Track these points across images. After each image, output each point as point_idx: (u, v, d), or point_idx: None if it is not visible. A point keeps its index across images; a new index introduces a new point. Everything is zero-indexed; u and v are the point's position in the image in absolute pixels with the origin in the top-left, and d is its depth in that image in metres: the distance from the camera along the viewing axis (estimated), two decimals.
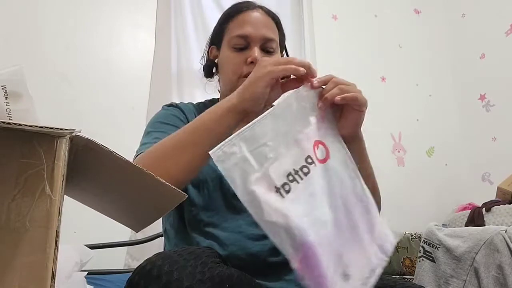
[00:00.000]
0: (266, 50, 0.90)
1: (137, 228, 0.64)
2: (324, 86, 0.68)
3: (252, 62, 0.86)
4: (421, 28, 3.10)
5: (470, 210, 2.23)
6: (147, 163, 0.67)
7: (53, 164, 0.42)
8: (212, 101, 1.02)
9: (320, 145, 0.61)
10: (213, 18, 0.99)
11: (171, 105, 0.96)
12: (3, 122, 0.40)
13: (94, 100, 1.93)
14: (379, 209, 0.84)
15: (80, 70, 1.95)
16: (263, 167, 0.52)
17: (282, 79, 0.72)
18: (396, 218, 2.28)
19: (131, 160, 0.53)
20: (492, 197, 2.31)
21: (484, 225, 1.97)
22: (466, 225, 2.13)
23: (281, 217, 0.50)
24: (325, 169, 0.60)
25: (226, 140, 0.53)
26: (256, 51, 0.87)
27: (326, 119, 0.66)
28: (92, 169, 0.51)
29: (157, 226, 1.31)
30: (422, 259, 1.64)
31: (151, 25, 2.18)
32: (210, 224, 0.81)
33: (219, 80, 1.02)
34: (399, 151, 2.77)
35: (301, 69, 0.67)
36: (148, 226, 0.62)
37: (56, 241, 0.41)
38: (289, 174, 0.54)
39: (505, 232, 1.46)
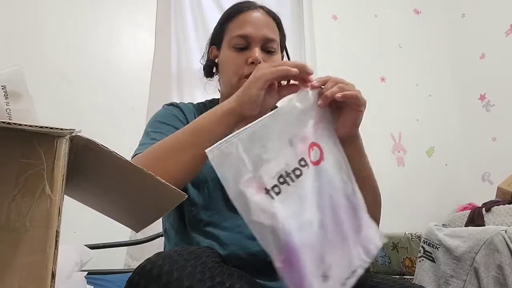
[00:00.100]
0: (267, 50, 0.89)
1: (137, 228, 0.64)
2: (323, 86, 0.68)
3: (253, 63, 0.86)
4: (421, 28, 3.10)
5: (470, 210, 2.23)
6: (145, 163, 0.67)
7: (53, 164, 0.42)
8: (212, 102, 1.02)
9: (315, 147, 0.62)
10: (213, 18, 0.99)
11: (171, 104, 0.96)
12: (3, 122, 0.40)
13: (94, 100, 1.93)
14: (380, 210, 0.84)
15: (80, 70, 1.95)
16: (256, 168, 0.52)
17: (279, 85, 0.72)
18: (396, 218, 2.28)
19: (131, 158, 0.52)
20: (492, 197, 2.31)
21: (484, 225, 1.97)
22: (466, 225, 2.13)
23: (268, 218, 0.50)
24: (317, 171, 0.60)
25: (224, 139, 0.53)
26: (256, 51, 0.87)
27: (324, 119, 0.66)
28: (92, 169, 0.51)
29: (157, 226, 1.31)
30: (422, 259, 1.64)
31: (151, 25, 2.18)
32: (210, 224, 0.81)
33: (219, 80, 1.02)
34: (399, 151, 2.77)
35: (294, 69, 0.67)
36: (148, 226, 0.62)
37: (56, 241, 0.41)
38: (281, 176, 0.55)
39: (505, 232, 1.46)
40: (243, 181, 0.51)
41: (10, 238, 0.41)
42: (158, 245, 1.75)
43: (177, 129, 0.85)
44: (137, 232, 1.70)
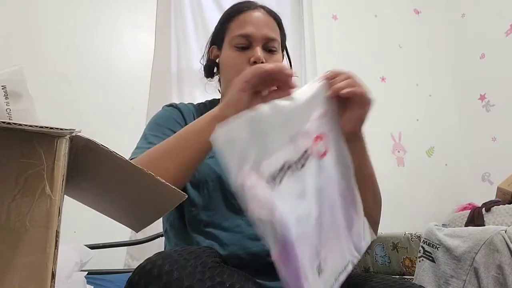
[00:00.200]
0: (268, 50, 0.89)
1: (137, 228, 0.64)
2: (332, 80, 0.68)
3: (255, 62, 0.85)
4: (421, 28, 3.10)
5: (470, 210, 2.24)
6: None
7: (53, 164, 0.42)
8: (213, 102, 1.02)
9: (320, 140, 0.61)
10: (213, 18, 0.99)
11: (170, 105, 0.96)
12: (3, 122, 0.40)
13: (94, 100, 1.93)
14: (380, 210, 0.84)
15: (80, 70, 1.95)
16: (259, 157, 0.52)
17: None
18: (396, 218, 2.28)
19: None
20: (492, 197, 2.31)
21: (484, 225, 1.97)
22: (466, 225, 2.13)
23: (267, 213, 0.50)
24: (320, 165, 0.60)
25: (228, 124, 0.52)
26: (258, 51, 0.86)
27: (330, 113, 0.66)
28: (92, 169, 0.51)
29: (157, 226, 1.31)
30: (422, 259, 1.64)
31: (151, 25, 2.18)
32: (210, 224, 0.81)
33: (219, 80, 1.02)
34: (399, 151, 2.77)
35: (269, 65, 0.66)
36: (148, 226, 0.62)
37: (56, 241, 0.41)
38: (282, 167, 0.54)
39: (505, 232, 1.46)
40: (245, 169, 0.50)
41: (10, 238, 0.41)
42: (158, 245, 1.75)
43: (174, 131, 0.85)
44: (137, 232, 1.70)
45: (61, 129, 0.42)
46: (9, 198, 0.42)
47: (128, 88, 2.04)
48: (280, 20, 0.96)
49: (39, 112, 0.50)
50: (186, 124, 0.91)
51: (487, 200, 2.25)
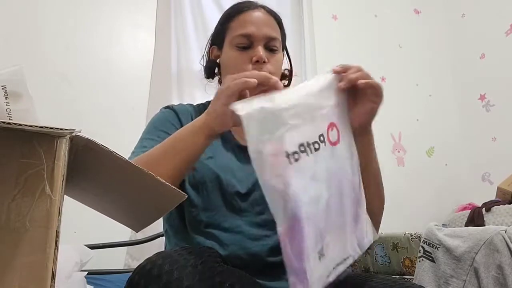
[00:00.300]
0: (269, 49, 0.89)
1: (137, 228, 0.64)
2: (344, 73, 0.68)
3: (258, 61, 0.85)
4: (421, 28, 3.10)
5: (470, 210, 2.23)
6: None
7: (53, 164, 0.42)
8: None
9: (334, 128, 0.62)
10: (213, 18, 0.99)
11: (167, 107, 0.96)
12: (3, 122, 0.40)
13: (94, 100, 1.93)
14: (383, 208, 0.84)
15: (80, 70, 1.95)
16: (280, 130, 0.53)
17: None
18: (396, 218, 2.27)
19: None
20: (492, 197, 2.31)
21: (484, 225, 1.97)
22: (466, 225, 2.13)
23: (281, 183, 0.50)
24: (332, 152, 0.61)
25: (250, 98, 0.53)
26: (260, 50, 0.86)
27: (340, 106, 0.66)
28: (92, 169, 0.51)
29: (157, 226, 1.31)
30: (422, 259, 1.64)
31: (151, 25, 2.18)
32: (210, 225, 0.81)
33: (219, 81, 1.02)
34: (399, 151, 2.77)
35: (252, 80, 0.65)
36: (148, 226, 0.62)
37: (56, 241, 0.41)
38: (302, 144, 0.55)
39: (505, 232, 1.46)
40: (265, 139, 0.51)
41: (10, 238, 0.41)
42: (158, 245, 1.75)
43: (169, 134, 0.85)
44: (137, 232, 1.70)
45: (61, 129, 0.42)
46: (9, 198, 0.42)
47: (128, 88, 2.04)
48: (280, 19, 0.96)
49: (39, 112, 0.50)
50: (181, 125, 0.91)
51: (487, 200, 2.25)
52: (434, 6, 3.20)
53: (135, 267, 0.61)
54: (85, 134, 0.45)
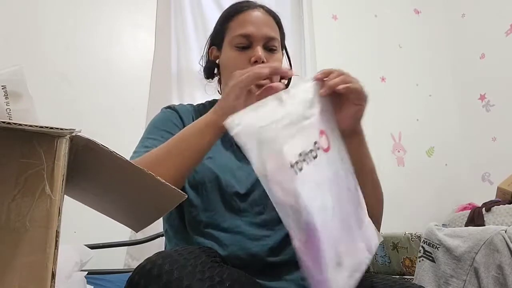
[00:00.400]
0: (268, 49, 0.89)
1: (137, 228, 0.64)
2: (326, 78, 0.68)
3: (256, 61, 0.85)
4: (421, 28, 3.10)
5: (470, 210, 2.23)
6: None
7: (53, 164, 0.42)
8: (212, 103, 1.02)
9: (323, 135, 0.62)
10: (213, 18, 0.99)
11: (168, 107, 0.96)
12: (3, 122, 0.40)
13: (94, 100, 1.93)
14: (382, 207, 0.83)
15: (80, 70, 1.95)
16: (277, 143, 0.52)
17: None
18: (396, 218, 2.27)
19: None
20: (492, 197, 2.31)
21: (484, 225, 1.97)
22: (466, 225, 2.13)
23: (292, 197, 0.50)
24: (327, 158, 0.60)
25: (240, 112, 0.53)
26: (259, 50, 0.86)
27: (325, 111, 0.66)
28: (92, 169, 0.51)
29: (157, 226, 1.31)
30: (422, 259, 1.64)
31: (151, 25, 2.18)
32: (209, 225, 0.81)
33: (219, 81, 1.02)
34: (399, 151, 2.77)
35: (264, 70, 0.67)
36: (148, 226, 0.62)
37: (56, 241, 0.41)
38: (301, 154, 0.55)
39: (505, 232, 1.46)
40: (265, 156, 0.51)
41: (10, 238, 0.41)
42: (158, 245, 1.75)
43: (171, 133, 0.85)
44: (137, 232, 1.70)
45: (61, 129, 0.42)
46: (9, 198, 0.42)
47: (128, 88, 2.04)
48: (279, 19, 0.96)
49: (39, 112, 0.50)
50: (184, 125, 0.91)
51: (487, 200, 2.25)
52: (434, 6, 3.20)
53: (135, 267, 0.61)
54: (85, 134, 0.45)
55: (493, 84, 2.80)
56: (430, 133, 2.89)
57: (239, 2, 0.95)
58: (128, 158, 0.50)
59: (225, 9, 0.97)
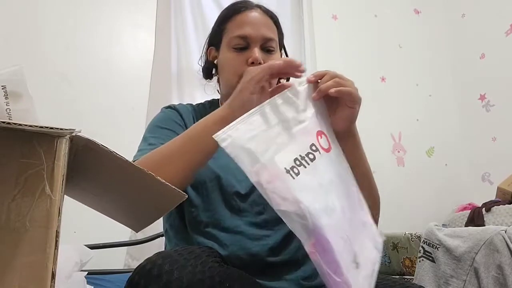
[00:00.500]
0: (266, 50, 0.89)
1: (137, 228, 0.64)
2: (319, 80, 0.68)
3: (253, 63, 0.86)
4: (421, 28, 3.10)
5: (470, 210, 2.24)
6: None
7: (53, 164, 0.42)
8: (212, 102, 1.02)
9: (323, 135, 0.62)
10: (213, 18, 0.99)
11: (169, 107, 0.96)
12: (3, 122, 0.40)
13: (94, 100, 1.93)
14: (379, 209, 0.83)
15: (80, 70, 1.95)
16: (268, 153, 0.52)
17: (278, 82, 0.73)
18: (396, 218, 2.28)
19: (131, 160, 0.53)
20: (492, 197, 2.31)
21: (484, 225, 1.97)
22: (466, 225, 2.13)
23: (291, 204, 0.50)
24: (329, 158, 0.60)
25: (230, 124, 0.53)
26: (256, 52, 0.87)
27: (320, 113, 0.66)
28: (92, 169, 0.51)
29: (157, 226, 1.31)
30: (422, 259, 1.64)
31: (151, 25, 2.18)
32: (210, 225, 0.81)
33: (218, 81, 1.02)
34: (399, 151, 2.77)
35: (278, 62, 0.67)
36: (148, 226, 0.62)
37: (56, 241, 0.41)
38: (296, 159, 0.55)
39: (505, 232, 1.46)
40: (258, 168, 0.50)
41: (10, 238, 0.41)
42: (158, 245, 1.75)
43: (175, 132, 0.86)
44: (137, 232, 1.70)
45: (61, 129, 0.42)
46: (9, 198, 0.42)
47: (128, 88, 2.04)
48: (277, 18, 0.96)
49: (39, 112, 0.50)
50: (185, 124, 0.91)
51: (487, 200, 2.25)
52: (434, 6, 3.20)
53: (135, 267, 0.61)
54: (85, 134, 0.45)
55: (493, 84, 2.80)
56: (430, 133, 2.89)
57: (236, 2, 0.95)
58: (128, 158, 0.50)
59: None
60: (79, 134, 0.44)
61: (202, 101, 1.03)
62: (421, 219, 2.34)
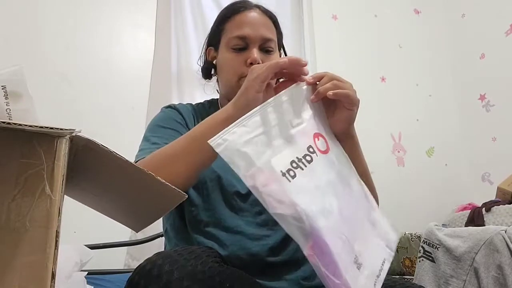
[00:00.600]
0: (265, 50, 0.89)
1: (137, 228, 0.64)
2: (318, 82, 0.68)
3: (252, 63, 0.86)
4: (421, 28, 3.10)
5: (470, 210, 2.23)
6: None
7: (53, 164, 0.42)
8: (212, 102, 1.02)
9: (320, 137, 0.62)
10: (213, 18, 0.99)
11: (169, 106, 0.96)
12: (3, 122, 0.40)
13: (94, 100, 1.93)
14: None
15: (80, 70, 1.95)
16: (264, 157, 0.52)
17: (276, 82, 0.73)
18: (396, 218, 2.27)
19: (131, 160, 0.53)
20: (492, 197, 2.31)
21: (484, 225, 1.97)
22: (466, 225, 2.13)
23: (287, 207, 0.49)
24: (326, 160, 0.60)
25: (226, 128, 0.53)
26: (255, 52, 0.87)
27: (318, 115, 0.66)
28: (92, 169, 0.51)
29: (157, 226, 1.31)
30: (422, 259, 1.64)
31: (151, 25, 2.18)
32: (210, 224, 0.81)
33: (217, 81, 1.02)
34: (399, 151, 2.77)
35: (283, 60, 0.67)
36: (148, 226, 0.62)
37: (56, 241, 0.41)
38: (293, 161, 0.54)
39: (505, 232, 1.46)
40: (252, 170, 0.50)
41: (10, 238, 0.41)
42: (158, 245, 1.75)
43: (177, 131, 0.85)
44: (137, 232, 1.70)
45: (61, 129, 0.42)
46: (9, 198, 0.42)
47: (128, 88, 2.04)
48: (276, 18, 0.96)
49: (39, 112, 0.50)
50: (186, 123, 0.91)
51: (487, 200, 2.25)
52: (434, 6, 3.20)
53: (135, 267, 0.61)
54: (85, 134, 0.45)
55: (493, 84, 2.80)
56: (430, 133, 2.89)
57: (235, 2, 0.94)
58: (128, 158, 0.50)
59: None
60: (79, 134, 0.44)
61: (202, 101, 1.03)
62: (421, 219, 2.34)
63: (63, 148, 0.43)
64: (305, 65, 0.68)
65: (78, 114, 1.84)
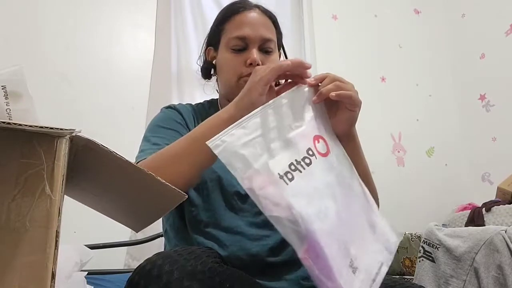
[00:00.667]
0: (264, 51, 0.89)
1: (137, 228, 0.64)
2: (320, 83, 0.68)
3: (251, 64, 0.86)
4: (421, 28, 3.10)
5: (470, 210, 2.23)
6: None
7: (53, 164, 0.42)
8: (211, 102, 1.02)
9: (320, 140, 0.62)
10: (213, 18, 0.99)
11: (169, 107, 0.96)
12: (3, 122, 0.40)
13: (94, 100, 1.93)
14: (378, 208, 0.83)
15: (80, 70, 1.95)
16: (262, 159, 0.52)
17: (277, 85, 0.72)
18: (396, 218, 2.27)
19: (131, 160, 0.53)
20: (492, 197, 2.31)
21: (484, 225, 1.97)
22: (466, 225, 2.13)
23: (283, 210, 0.49)
24: (326, 162, 0.60)
25: (224, 130, 0.53)
26: (254, 53, 0.87)
27: (320, 116, 0.66)
28: (92, 169, 0.51)
29: (157, 226, 1.31)
30: (422, 259, 1.64)
31: (151, 25, 2.18)
32: (210, 225, 0.81)
33: (217, 80, 1.02)
34: (399, 151, 2.77)
35: (287, 63, 0.67)
36: (148, 226, 0.62)
37: (56, 241, 0.41)
38: (291, 164, 0.54)
39: (505, 232, 1.46)
40: (249, 173, 0.50)
41: (10, 238, 0.41)
42: (158, 245, 1.75)
43: (178, 132, 0.85)
44: (137, 232, 1.70)
45: (61, 129, 0.42)
46: (9, 198, 0.42)
47: (128, 88, 2.04)
48: (276, 18, 0.96)
49: (39, 112, 0.50)
50: (186, 124, 0.91)
51: (487, 200, 2.25)
52: (434, 6, 3.20)
53: (135, 267, 0.61)
54: (85, 134, 0.45)
55: (493, 84, 2.80)
56: (430, 133, 2.89)
57: (235, 2, 0.94)
58: (128, 158, 0.50)
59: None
60: (79, 134, 0.44)
61: (202, 101, 1.03)
62: (421, 219, 2.34)
63: (63, 148, 0.43)
64: (309, 67, 0.68)
65: (78, 114, 1.84)
